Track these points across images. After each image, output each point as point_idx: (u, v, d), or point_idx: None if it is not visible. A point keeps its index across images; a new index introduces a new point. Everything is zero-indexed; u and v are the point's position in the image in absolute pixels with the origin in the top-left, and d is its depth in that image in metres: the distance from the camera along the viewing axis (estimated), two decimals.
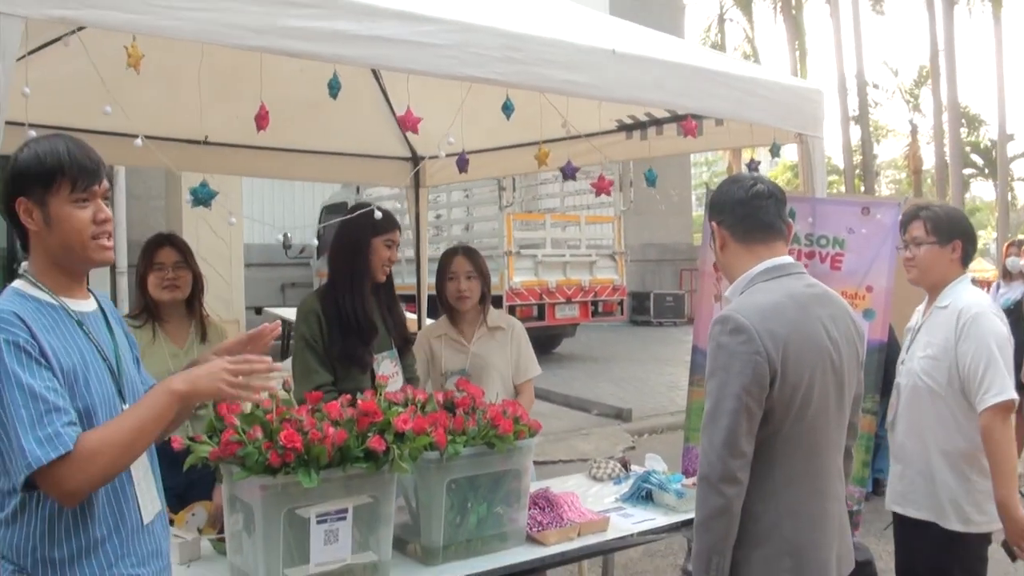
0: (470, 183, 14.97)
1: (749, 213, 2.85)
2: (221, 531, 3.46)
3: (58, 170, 2.23)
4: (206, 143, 5.51)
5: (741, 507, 2.63)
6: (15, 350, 2.09)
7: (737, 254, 2.87)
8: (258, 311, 14.98)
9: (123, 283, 12.10)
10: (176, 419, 2.37)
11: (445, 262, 4.55)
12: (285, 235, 17.42)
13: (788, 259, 2.84)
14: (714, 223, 2.93)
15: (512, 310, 14.31)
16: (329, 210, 18.17)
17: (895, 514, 3.86)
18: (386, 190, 14.67)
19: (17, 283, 2.28)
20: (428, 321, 7.25)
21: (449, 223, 16.80)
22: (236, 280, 11.59)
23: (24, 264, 2.36)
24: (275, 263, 18.36)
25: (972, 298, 3.67)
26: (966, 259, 3.75)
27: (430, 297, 6.84)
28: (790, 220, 2.93)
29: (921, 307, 3.92)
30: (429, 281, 6.89)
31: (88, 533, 2.22)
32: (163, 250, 4.10)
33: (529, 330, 16.43)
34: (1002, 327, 3.62)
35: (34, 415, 2.06)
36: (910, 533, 3.79)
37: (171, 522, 3.30)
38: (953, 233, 3.75)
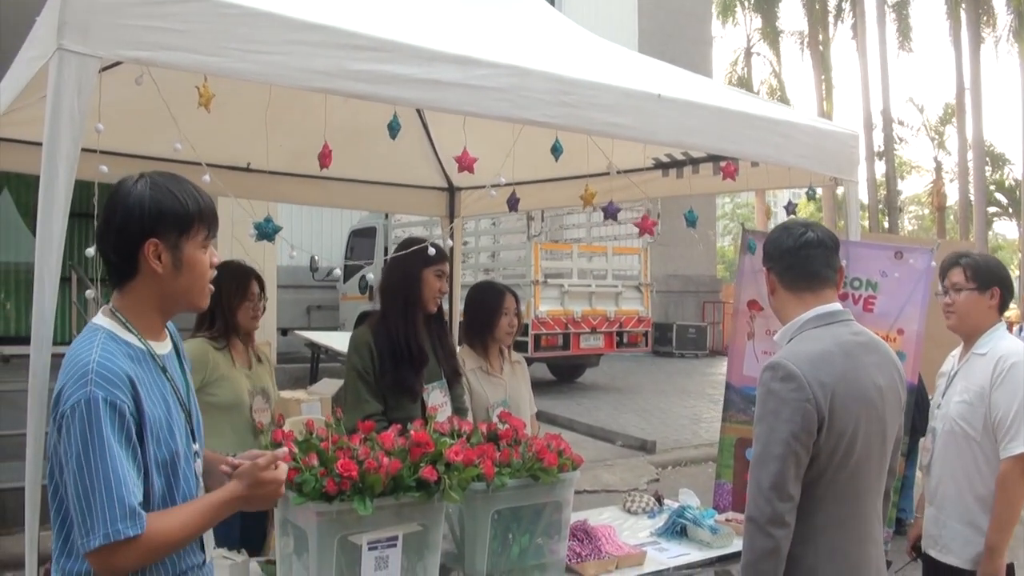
0: (498, 212, 15.09)
1: (797, 263, 2.92)
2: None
3: (197, 215, 2.27)
4: (248, 170, 5.63)
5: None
6: (112, 412, 2.08)
7: (786, 300, 2.95)
8: (284, 332, 15.09)
9: None
10: None
11: (497, 298, 4.74)
12: (313, 258, 17.53)
13: (836, 306, 2.91)
14: (765, 268, 3.02)
15: (538, 339, 14.38)
16: (357, 234, 18.30)
17: (928, 558, 3.91)
18: (414, 216, 14.78)
19: (105, 322, 2.26)
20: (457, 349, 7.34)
21: (476, 251, 16.91)
22: (269, 302, 11.69)
23: (89, 292, 2.41)
24: (302, 285, 18.48)
25: (1011, 347, 3.72)
26: (1002, 306, 3.81)
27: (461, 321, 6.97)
28: (842, 264, 3.00)
29: (956, 352, 3.97)
30: (462, 308, 7.01)
31: (162, 572, 2.26)
32: (252, 283, 4.42)
33: (554, 359, 16.39)
34: None
35: (118, 485, 2.05)
36: None
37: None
38: (992, 280, 3.80)
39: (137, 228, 2.22)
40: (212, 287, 2.39)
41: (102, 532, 2.04)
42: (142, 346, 2.27)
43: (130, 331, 2.27)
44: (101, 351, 2.15)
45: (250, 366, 4.46)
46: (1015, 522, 3.60)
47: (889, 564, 3.13)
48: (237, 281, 4.34)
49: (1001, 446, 3.59)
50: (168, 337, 2.43)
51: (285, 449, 2.48)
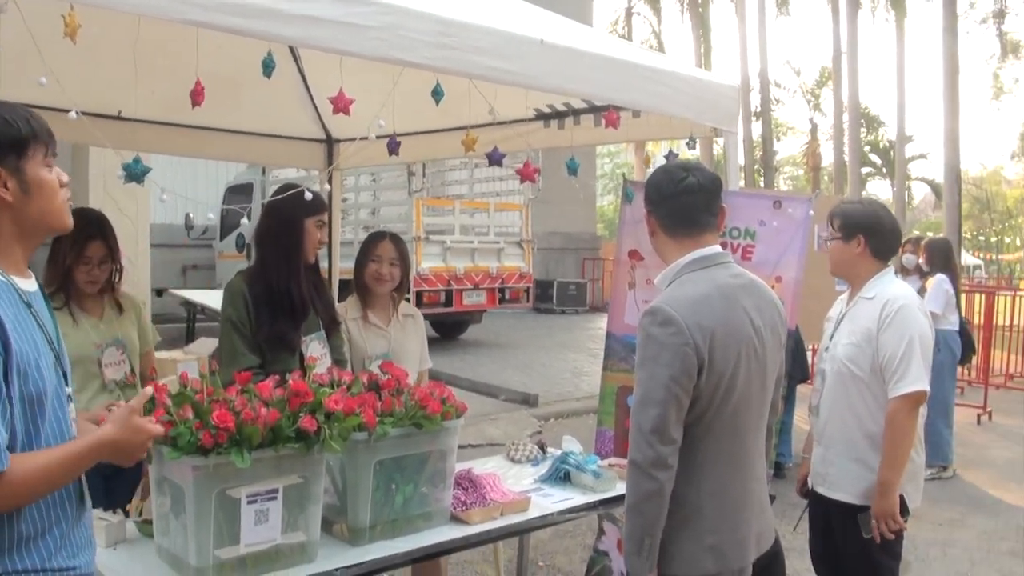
0: (378, 167, 14.92)
1: (677, 209, 2.93)
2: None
3: (31, 135, 2.19)
4: (119, 118, 5.40)
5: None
6: None
7: (666, 243, 2.96)
8: (159, 293, 14.69)
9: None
10: None
11: (370, 244, 4.58)
12: (188, 215, 17.13)
13: (716, 249, 2.93)
14: (646, 210, 3.01)
15: (420, 295, 14.30)
16: (233, 191, 17.90)
17: (815, 495, 4.00)
18: (292, 171, 14.51)
19: None
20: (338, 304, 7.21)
21: (357, 207, 16.69)
22: (141, 260, 11.28)
23: None
24: (176, 244, 18.03)
25: (898, 291, 3.81)
26: (878, 252, 3.87)
27: (341, 281, 6.85)
28: (724, 206, 3.02)
29: (843, 297, 4.06)
30: (341, 266, 6.89)
31: (29, 523, 2.15)
32: (93, 244, 4.04)
33: (436, 316, 16.37)
34: (925, 322, 3.76)
35: None
36: (831, 514, 3.92)
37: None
38: (855, 229, 3.88)
39: None
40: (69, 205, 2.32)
41: None
42: (4, 280, 2.17)
43: None
44: None
45: (102, 316, 4.18)
46: (906, 458, 3.71)
47: (773, 499, 3.19)
48: (75, 239, 3.96)
49: (889, 386, 3.69)
50: (33, 277, 2.34)
51: (150, 389, 2.38)
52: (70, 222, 2.33)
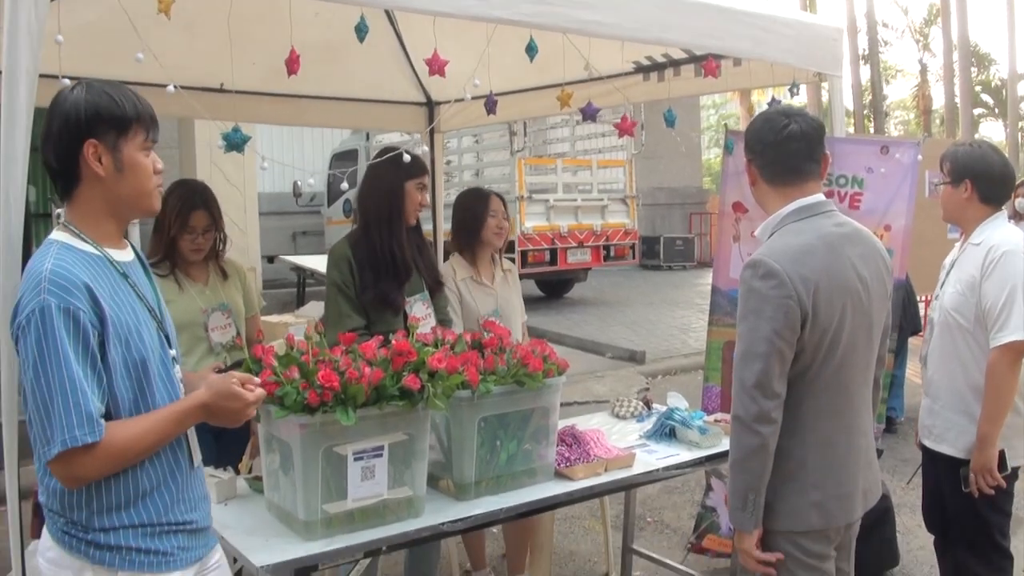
0: (480, 128, 14.93)
1: (779, 157, 2.85)
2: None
3: (135, 116, 2.25)
4: (221, 91, 5.50)
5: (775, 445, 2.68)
6: (67, 319, 2.06)
7: (768, 193, 2.90)
8: (271, 260, 15.03)
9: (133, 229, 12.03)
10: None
11: (482, 201, 4.69)
12: (296, 183, 17.44)
13: (819, 198, 2.85)
14: (747, 159, 2.95)
15: (524, 255, 14.32)
16: (338, 157, 18.13)
17: (924, 448, 3.91)
18: (396, 136, 14.62)
19: (60, 235, 2.24)
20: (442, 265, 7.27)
21: (460, 168, 16.76)
22: (251, 228, 11.56)
23: (59, 212, 2.38)
24: (286, 211, 18.37)
25: (1004, 236, 3.66)
26: (987, 197, 3.72)
27: (445, 242, 6.90)
28: (827, 153, 2.93)
29: (958, 244, 3.94)
30: (446, 227, 6.94)
31: (144, 479, 2.24)
32: (197, 213, 4.11)
33: (541, 275, 16.34)
34: None
35: (75, 392, 2.05)
36: (940, 469, 3.83)
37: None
38: (963, 173, 3.74)
39: (75, 131, 2.21)
40: (160, 192, 2.38)
41: (59, 439, 2.04)
42: (99, 253, 2.25)
43: (85, 241, 2.25)
44: (54, 260, 2.14)
45: (207, 282, 4.27)
46: (1006, 411, 3.58)
47: (880, 453, 3.12)
48: (180, 209, 4.08)
49: (990, 335, 3.57)
50: (129, 247, 2.41)
51: (261, 388, 2.46)
52: (158, 206, 2.38)
